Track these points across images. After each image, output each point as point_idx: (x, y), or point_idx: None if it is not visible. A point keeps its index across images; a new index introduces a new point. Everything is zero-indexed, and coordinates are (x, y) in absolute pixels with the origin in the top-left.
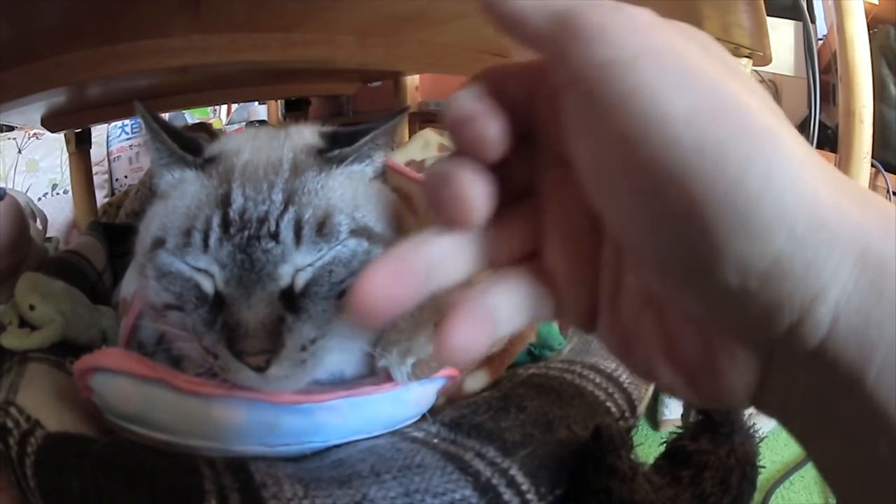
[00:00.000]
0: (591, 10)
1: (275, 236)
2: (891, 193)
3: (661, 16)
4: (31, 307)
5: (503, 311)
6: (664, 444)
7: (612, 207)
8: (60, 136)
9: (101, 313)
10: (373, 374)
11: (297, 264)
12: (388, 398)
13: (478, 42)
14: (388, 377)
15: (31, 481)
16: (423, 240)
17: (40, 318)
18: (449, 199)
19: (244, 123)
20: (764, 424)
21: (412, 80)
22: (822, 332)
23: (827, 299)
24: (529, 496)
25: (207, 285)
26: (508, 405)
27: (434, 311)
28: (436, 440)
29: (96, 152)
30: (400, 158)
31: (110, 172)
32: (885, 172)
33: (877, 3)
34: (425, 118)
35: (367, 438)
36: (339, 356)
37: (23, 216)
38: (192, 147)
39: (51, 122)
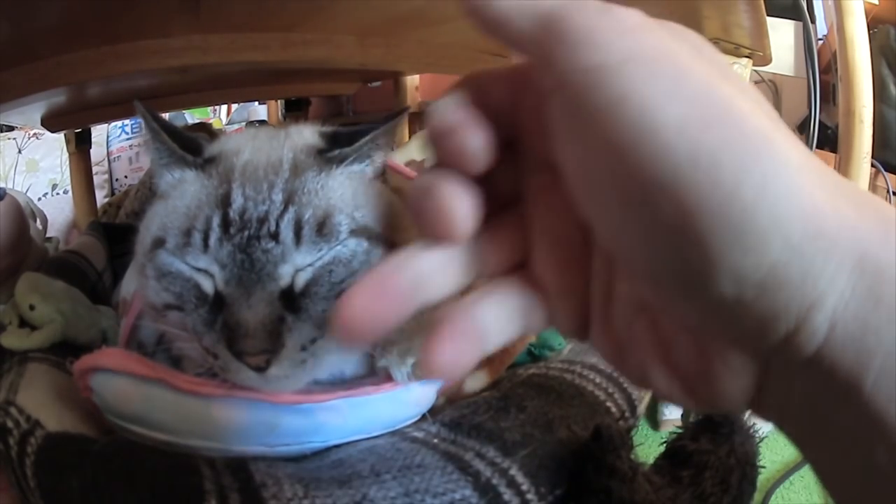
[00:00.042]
0: (577, 13)
1: (275, 236)
2: (891, 193)
3: (660, 16)
4: (31, 307)
5: (492, 323)
6: (664, 444)
7: (602, 218)
8: (60, 136)
9: (101, 313)
10: (373, 374)
11: (297, 264)
12: (388, 398)
13: (477, 42)
14: (388, 377)
15: (31, 481)
16: (409, 254)
17: (40, 318)
18: (432, 215)
19: (244, 123)
20: (764, 424)
21: (412, 80)
22: (818, 340)
23: (824, 307)
24: (529, 496)
25: (207, 285)
26: (508, 405)
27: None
28: (436, 440)
29: (96, 152)
30: (400, 158)
31: (110, 172)
32: (885, 172)
33: (877, 3)
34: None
35: (367, 438)
36: (339, 356)
37: (23, 216)
38: (192, 147)
39: (51, 122)
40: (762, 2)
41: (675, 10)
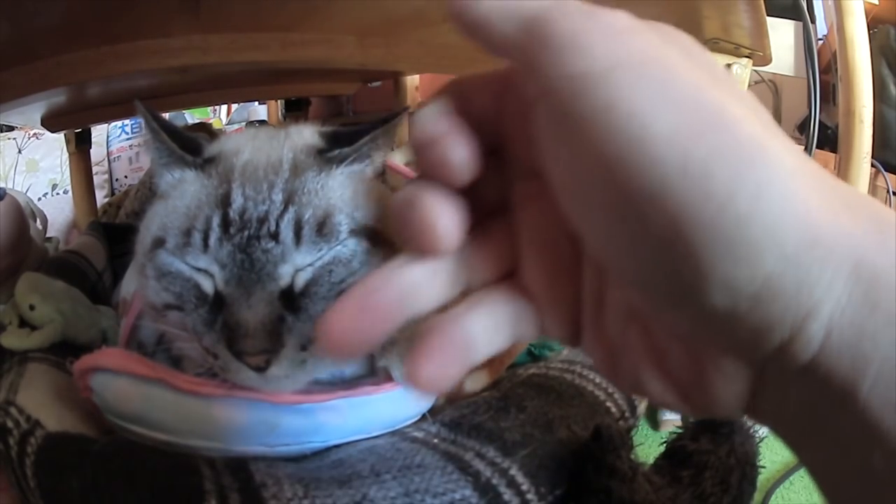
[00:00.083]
0: (561, 17)
1: (275, 236)
2: (891, 193)
3: (661, 16)
4: (31, 307)
5: (480, 334)
6: (664, 444)
7: (589, 228)
8: (60, 136)
9: (101, 313)
10: (373, 374)
11: (297, 264)
12: (388, 398)
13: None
14: (388, 377)
15: (31, 481)
16: (395, 267)
17: (40, 318)
18: (416, 228)
19: (244, 123)
20: None
21: (412, 80)
22: (814, 348)
23: (819, 316)
24: (529, 496)
25: (207, 285)
26: (508, 405)
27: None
28: (436, 440)
29: (96, 152)
30: (400, 158)
31: (110, 172)
32: (885, 172)
33: (877, 3)
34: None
35: (367, 438)
36: None
37: (23, 216)
38: (191, 147)
39: (51, 122)
40: (762, 2)
41: (675, 10)
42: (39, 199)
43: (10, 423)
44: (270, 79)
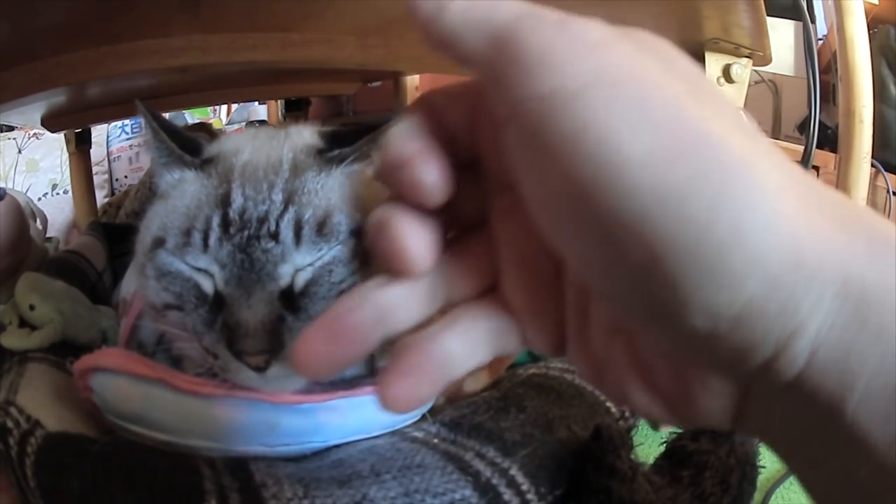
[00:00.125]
0: (531, 31)
1: (275, 236)
2: (891, 193)
3: (661, 16)
4: (31, 307)
5: (458, 351)
6: (664, 444)
7: (564, 248)
8: (60, 136)
9: (101, 313)
10: (373, 374)
11: (297, 264)
12: None
13: None
14: None
15: (31, 481)
16: (370, 288)
17: (40, 318)
18: (388, 252)
19: (244, 123)
20: None
21: (412, 80)
22: (799, 365)
23: (804, 335)
24: (529, 496)
25: (207, 285)
26: (508, 405)
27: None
28: (436, 440)
29: (96, 152)
30: None
31: (110, 172)
32: (885, 172)
33: (877, 3)
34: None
35: (367, 438)
36: None
37: (23, 216)
38: (191, 147)
39: (51, 122)
40: (762, 2)
41: (675, 10)
42: (39, 199)
43: (10, 423)
44: (270, 79)
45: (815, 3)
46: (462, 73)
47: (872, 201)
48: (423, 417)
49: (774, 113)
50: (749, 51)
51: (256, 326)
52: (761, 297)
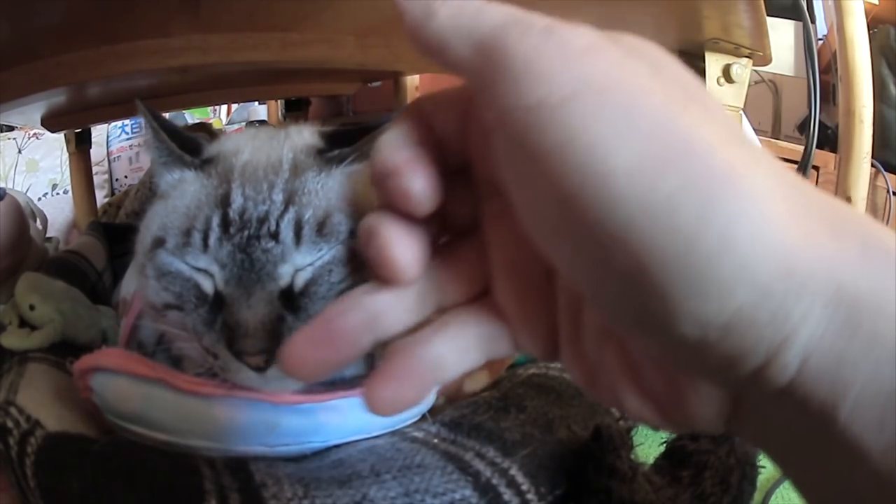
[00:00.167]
0: (517, 39)
1: (275, 236)
2: (891, 193)
3: (661, 16)
4: (31, 307)
5: (447, 356)
6: (664, 444)
7: (553, 255)
8: (60, 136)
9: (101, 313)
10: None
11: (297, 264)
12: None
13: None
14: None
15: (31, 481)
16: (361, 293)
17: (40, 318)
18: (377, 260)
19: (244, 123)
20: None
21: (412, 80)
22: (790, 373)
23: (796, 343)
24: (529, 496)
25: (207, 285)
26: (508, 405)
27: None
28: (436, 440)
29: (96, 152)
30: None
31: (110, 172)
32: (885, 172)
33: (877, 3)
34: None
35: (367, 438)
36: None
37: (23, 216)
38: (191, 147)
39: (51, 122)
40: (762, 2)
41: (675, 10)
42: (39, 199)
43: (10, 423)
44: (270, 79)
45: (815, 3)
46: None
47: (872, 201)
48: (423, 417)
49: (774, 113)
50: (749, 51)
51: (256, 326)
52: (751, 306)
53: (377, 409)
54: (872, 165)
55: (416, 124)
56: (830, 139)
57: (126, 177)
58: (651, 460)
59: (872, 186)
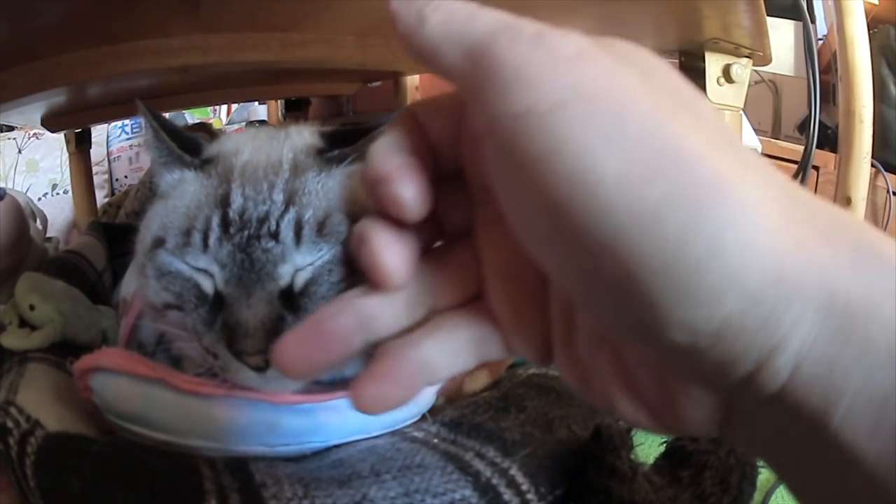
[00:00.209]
0: (507, 46)
1: (275, 236)
2: (891, 193)
3: (661, 16)
4: (31, 307)
5: (437, 359)
6: (664, 444)
7: (544, 262)
8: (60, 136)
9: (101, 313)
10: None
11: (297, 264)
12: None
13: None
14: None
15: (31, 481)
16: (354, 295)
17: (40, 318)
18: (367, 265)
19: (244, 123)
20: None
21: (412, 80)
22: (782, 379)
23: (787, 349)
24: (529, 496)
25: (207, 285)
26: (508, 405)
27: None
28: (436, 440)
29: (96, 152)
30: None
31: (110, 172)
32: (885, 172)
33: (877, 3)
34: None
35: (367, 438)
36: None
37: (23, 216)
38: (191, 147)
39: (51, 122)
40: (762, 2)
41: (675, 10)
42: (39, 199)
43: (10, 423)
44: (270, 79)
45: (815, 3)
46: None
47: (872, 201)
48: (423, 417)
49: (774, 113)
50: (749, 51)
51: (256, 326)
52: (740, 313)
53: (363, 406)
54: (872, 165)
55: (410, 130)
56: (830, 139)
57: (126, 177)
58: (651, 460)
59: (872, 186)
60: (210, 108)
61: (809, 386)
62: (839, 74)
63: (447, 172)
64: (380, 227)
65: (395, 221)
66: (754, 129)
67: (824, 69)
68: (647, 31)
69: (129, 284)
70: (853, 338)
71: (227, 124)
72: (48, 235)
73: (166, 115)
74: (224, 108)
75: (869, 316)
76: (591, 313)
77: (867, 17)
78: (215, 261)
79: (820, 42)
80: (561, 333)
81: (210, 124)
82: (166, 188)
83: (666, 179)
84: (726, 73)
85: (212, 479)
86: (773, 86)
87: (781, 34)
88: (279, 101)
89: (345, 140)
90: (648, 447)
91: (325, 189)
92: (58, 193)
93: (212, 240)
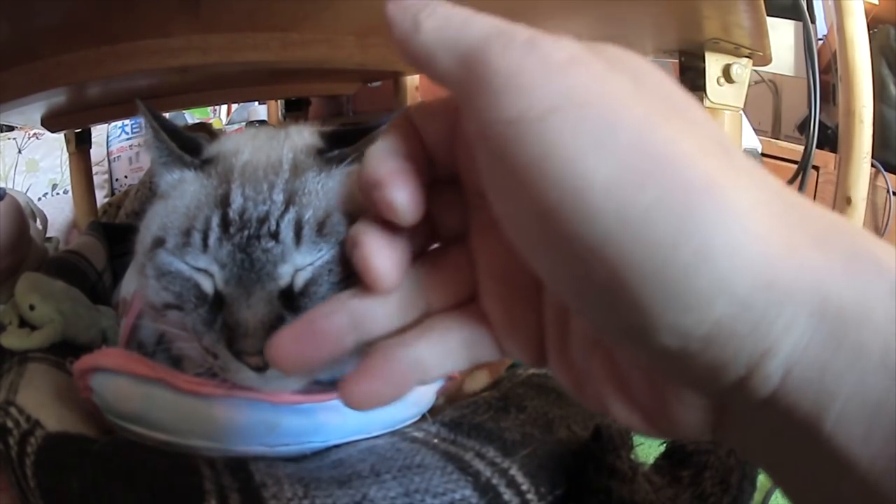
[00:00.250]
0: (499, 52)
1: (275, 236)
2: (891, 193)
3: (661, 16)
4: (31, 307)
5: (428, 359)
6: (664, 444)
7: (536, 267)
8: (60, 136)
9: (101, 313)
10: None
11: (297, 264)
12: None
13: None
14: None
15: (31, 481)
16: (348, 295)
17: (40, 318)
18: (359, 267)
19: (244, 123)
20: None
21: (412, 80)
22: (773, 384)
23: (778, 354)
24: (529, 496)
25: (207, 285)
26: (508, 405)
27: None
28: (436, 440)
29: (96, 152)
30: None
31: (110, 172)
32: (885, 172)
33: (877, 3)
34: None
35: (367, 438)
36: None
37: (23, 216)
38: (191, 147)
39: (51, 122)
40: (762, 2)
41: (675, 10)
42: (39, 199)
43: (10, 423)
44: (270, 79)
45: (815, 3)
46: None
47: (872, 201)
48: (423, 417)
49: (774, 113)
50: (749, 51)
51: (256, 326)
52: (731, 318)
53: (351, 402)
54: (872, 165)
55: (405, 135)
56: (830, 139)
57: (126, 177)
58: (651, 460)
59: (872, 186)
60: (210, 108)
61: (802, 390)
62: (839, 74)
63: (443, 176)
64: (373, 231)
65: (390, 224)
66: (754, 129)
67: (824, 69)
68: (647, 31)
69: (129, 284)
70: (846, 343)
71: (227, 124)
72: (48, 235)
73: (166, 115)
74: (224, 108)
75: (861, 321)
76: (583, 317)
77: (867, 17)
78: (215, 261)
79: (820, 42)
80: (555, 337)
81: (210, 124)
82: (166, 188)
83: (656, 184)
84: (726, 73)
85: (212, 479)
86: (773, 86)
87: (781, 34)
88: (279, 101)
89: (345, 140)
90: (648, 447)
91: (325, 189)
92: (58, 193)
93: (212, 240)
